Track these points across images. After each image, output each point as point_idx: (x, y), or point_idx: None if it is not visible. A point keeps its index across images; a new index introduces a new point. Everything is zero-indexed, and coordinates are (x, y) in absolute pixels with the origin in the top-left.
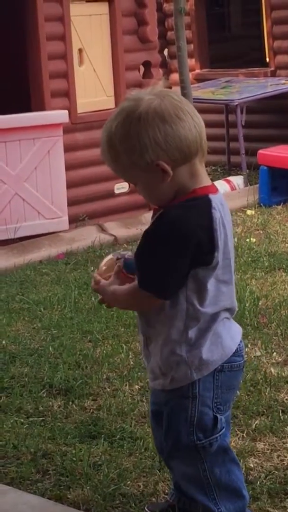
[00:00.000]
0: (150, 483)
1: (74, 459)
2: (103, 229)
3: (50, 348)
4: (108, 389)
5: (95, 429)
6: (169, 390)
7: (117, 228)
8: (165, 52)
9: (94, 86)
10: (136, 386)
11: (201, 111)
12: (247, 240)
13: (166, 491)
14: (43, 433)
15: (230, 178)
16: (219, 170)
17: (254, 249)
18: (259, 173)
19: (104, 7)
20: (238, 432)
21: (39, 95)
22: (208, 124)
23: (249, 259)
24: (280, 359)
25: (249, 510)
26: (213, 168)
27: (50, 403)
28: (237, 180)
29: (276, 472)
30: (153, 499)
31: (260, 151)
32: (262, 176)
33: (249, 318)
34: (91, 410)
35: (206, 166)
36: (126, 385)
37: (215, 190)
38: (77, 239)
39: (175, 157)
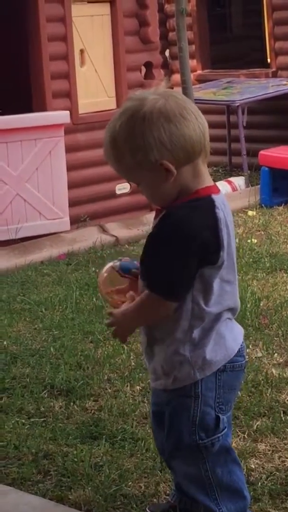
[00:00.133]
0: (151, 484)
1: (76, 460)
2: (104, 230)
3: (52, 349)
4: (109, 390)
5: (96, 430)
6: (171, 390)
7: (119, 229)
8: (167, 53)
9: (96, 87)
10: (137, 387)
11: (202, 112)
12: (248, 241)
13: (168, 492)
14: (45, 434)
15: (232, 179)
16: (220, 171)
17: (255, 250)
18: (260, 174)
19: (105, 8)
20: (239, 433)
21: (41, 95)
22: (210, 125)
23: (251, 260)
24: (281, 360)
25: (250, 511)
26: (215, 168)
27: (52, 403)
28: (238, 181)
29: (277, 473)
30: (155, 500)
31: (261, 152)
32: (263, 177)
33: (250, 319)
34: (92, 411)
35: (207, 167)
36: (127, 386)
37: (217, 190)
38: (78, 240)
39: (179, 156)
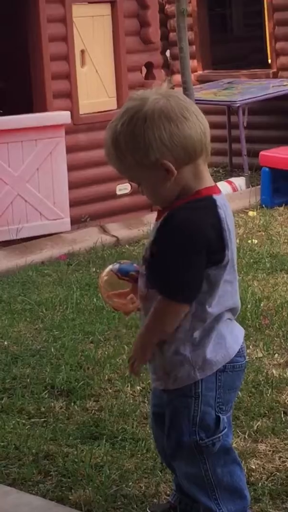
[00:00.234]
0: (151, 484)
1: (76, 460)
2: (105, 230)
3: (52, 349)
4: (110, 390)
5: (96, 430)
6: (171, 390)
7: (119, 229)
8: (167, 53)
9: (96, 87)
10: (138, 387)
11: (203, 112)
12: (249, 241)
13: (168, 492)
14: (45, 434)
15: (232, 179)
16: (221, 171)
17: (255, 251)
18: (261, 174)
19: (106, 8)
20: (239, 433)
21: (41, 96)
22: (210, 125)
23: (251, 260)
24: (282, 361)
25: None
26: (215, 169)
27: (52, 404)
28: (239, 181)
29: (278, 473)
30: (155, 500)
31: (262, 153)
32: (264, 177)
33: (251, 320)
34: (93, 411)
35: (208, 167)
36: (127, 386)
37: (218, 191)
38: (79, 240)
39: (180, 156)
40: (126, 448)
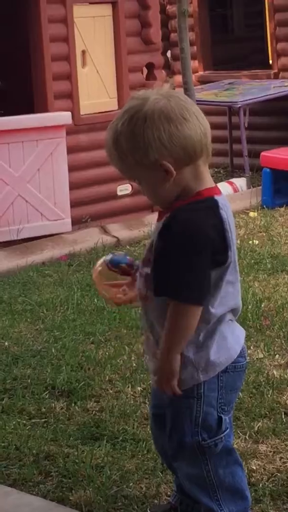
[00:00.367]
0: (152, 485)
1: (77, 461)
2: (106, 231)
3: (53, 350)
4: (111, 391)
5: (97, 431)
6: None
7: (120, 230)
8: (168, 54)
9: (97, 88)
10: (139, 388)
11: (204, 113)
12: (250, 242)
13: (169, 493)
14: (46, 435)
15: (233, 180)
16: (221, 172)
17: (256, 251)
18: (262, 175)
19: (107, 9)
20: (240, 434)
21: (42, 96)
22: (211, 126)
23: (252, 261)
24: (282, 361)
25: None
26: (216, 170)
27: (53, 404)
28: (240, 182)
29: (279, 474)
30: (156, 501)
31: (263, 153)
32: (265, 178)
33: (251, 320)
34: (94, 412)
35: (209, 168)
36: (128, 387)
37: (219, 192)
38: (79, 241)
39: (179, 157)
40: (127, 449)
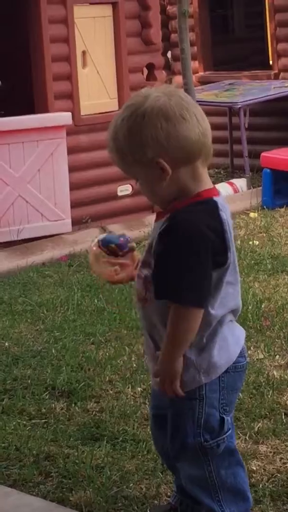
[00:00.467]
0: (152, 485)
1: (77, 461)
2: (106, 231)
3: (53, 350)
4: (111, 392)
5: (97, 432)
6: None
7: (120, 230)
8: (169, 54)
9: (98, 88)
10: (139, 389)
11: (204, 113)
12: (250, 242)
13: (169, 493)
14: (46, 435)
15: (233, 180)
16: (222, 172)
17: (257, 252)
18: (262, 175)
19: (108, 10)
20: (241, 435)
21: (43, 97)
22: (212, 127)
23: (252, 261)
24: (282, 362)
25: None
26: (216, 170)
27: (53, 405)
28: (240, 183)
29: (279, 475)
30: (156, 501)
31: (263, 154)
32: (265, 178)
33: (252, 321)
34: (94, 413)
35: (209, 169)
36: (128, 387)
37: (217, 193)
38: (80, 241)
39: (176, 157)
40: (127, 450)
